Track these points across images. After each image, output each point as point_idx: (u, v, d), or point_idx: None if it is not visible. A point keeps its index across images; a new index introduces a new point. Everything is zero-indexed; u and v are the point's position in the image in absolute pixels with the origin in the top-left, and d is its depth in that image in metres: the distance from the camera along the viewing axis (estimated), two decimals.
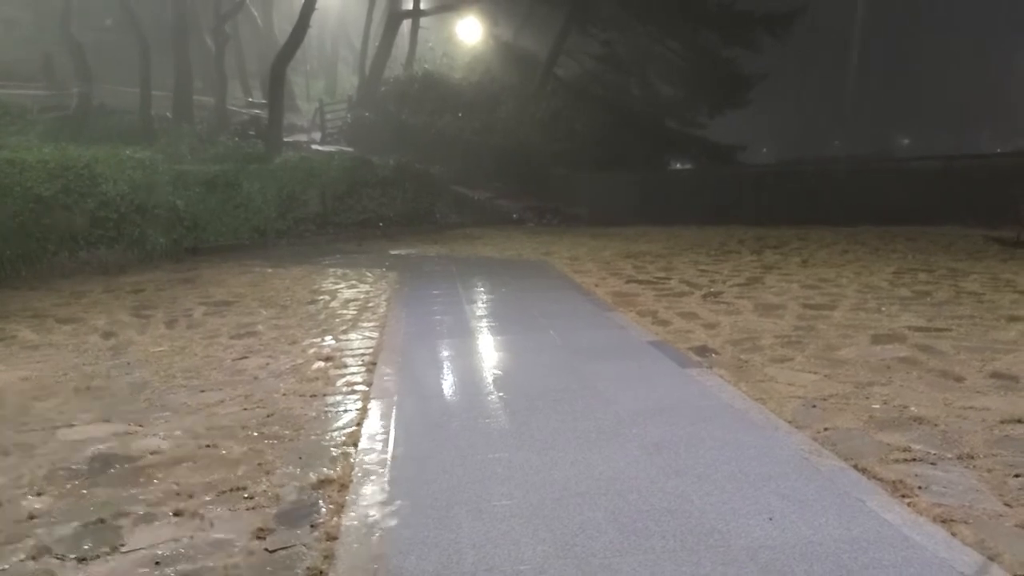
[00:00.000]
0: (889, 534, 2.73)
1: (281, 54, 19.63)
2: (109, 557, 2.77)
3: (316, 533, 2.91)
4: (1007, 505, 2.97)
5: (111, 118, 20.44)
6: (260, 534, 2.91)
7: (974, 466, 3.35)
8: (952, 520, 2.85)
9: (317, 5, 19.91)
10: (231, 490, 3.33)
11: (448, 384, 5.00)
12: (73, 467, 3.64)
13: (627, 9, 24.11)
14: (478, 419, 4.18)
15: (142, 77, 20.87)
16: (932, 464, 3.39)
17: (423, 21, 29.39)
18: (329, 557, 2.71)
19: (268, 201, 14.80)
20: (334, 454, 3.74)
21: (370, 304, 8.07)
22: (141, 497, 3.28)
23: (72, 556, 2.78)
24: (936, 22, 49.51)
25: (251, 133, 21.49)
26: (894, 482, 3.19)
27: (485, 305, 7.91)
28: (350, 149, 22.58)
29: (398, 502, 3.14)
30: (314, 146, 24.08)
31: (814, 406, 4.25)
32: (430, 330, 6.71)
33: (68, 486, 3.43)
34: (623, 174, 21.52)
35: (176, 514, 3.10)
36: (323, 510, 3.11)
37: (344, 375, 5.24)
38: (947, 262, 9.84)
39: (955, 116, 48.86)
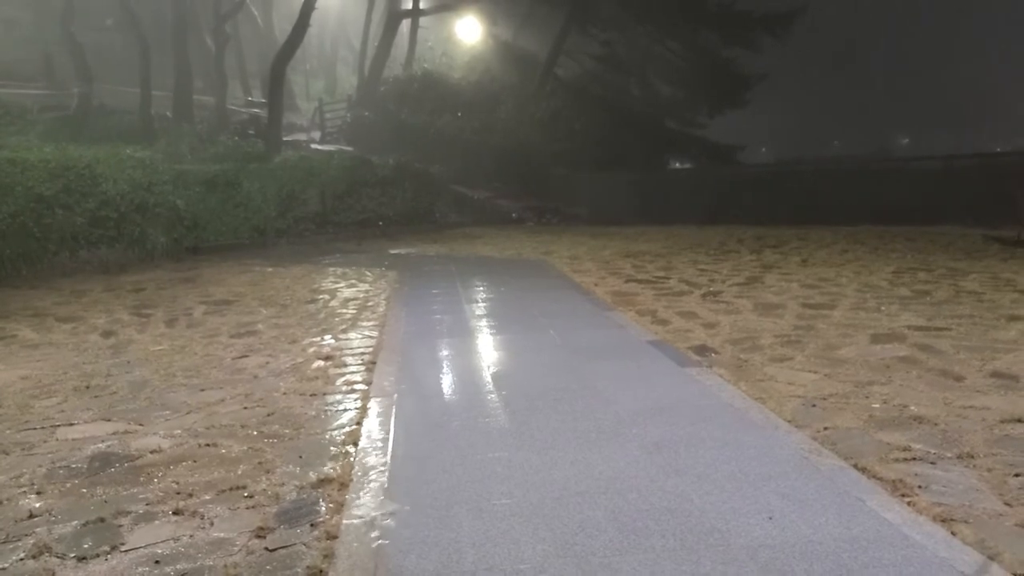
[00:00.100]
0: (889, 533, 2.73)
1: (281, 54, 19.63)
2: (109, 556, 2.77)
3: (316, 532, 2.91)
4: (1007, 504, 2.97)
5: (111, 118, 20.44)
6: (260, 533, 2.91)
7: (974, 465, 3.35)
8: (952, 519, 2.85)
9: (317, 5, 19.91)
10: (231, 489, 3.32)
11: (448, 383, 5.00)
12: (73, 466, 3.64)
13: (627, 9, 24.11)
14: (478, 418, 4.18)
15: (142, 77, 20.86)
16: (932, 463, 3.39)
17: (423, 21, 29.39)
18: (329, 556, 2.71)
19: (268, 200, 14.81)
20: (334, 453, 3.74)
21: (370, 303, 8.07)
22: (141, 496, 3.28)
23: (72, 555, 2.78)
24: (936, 22, 49.53)
25: (251, 132, 21.50)
26: (894, 481, 3.19)
27: (485, 304, 7.91)
28: (350, 148, 22.59)
29: (398, 501, 3.14)
30: (314, 145, 24.08)
31: (814, 405, 4.25)
32: (430, 329, 6.71)
33: (68, 485, 3.43)
34: (623, 174, 21.53)
35: (176, 513, 3.10)
36: (323, 509, 3.11)
37: (344, 374, 5.24)
38: (947, 261, 9.84)
39: (954, 115, 48.88)
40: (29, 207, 10.85)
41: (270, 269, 11.07)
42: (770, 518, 2.88)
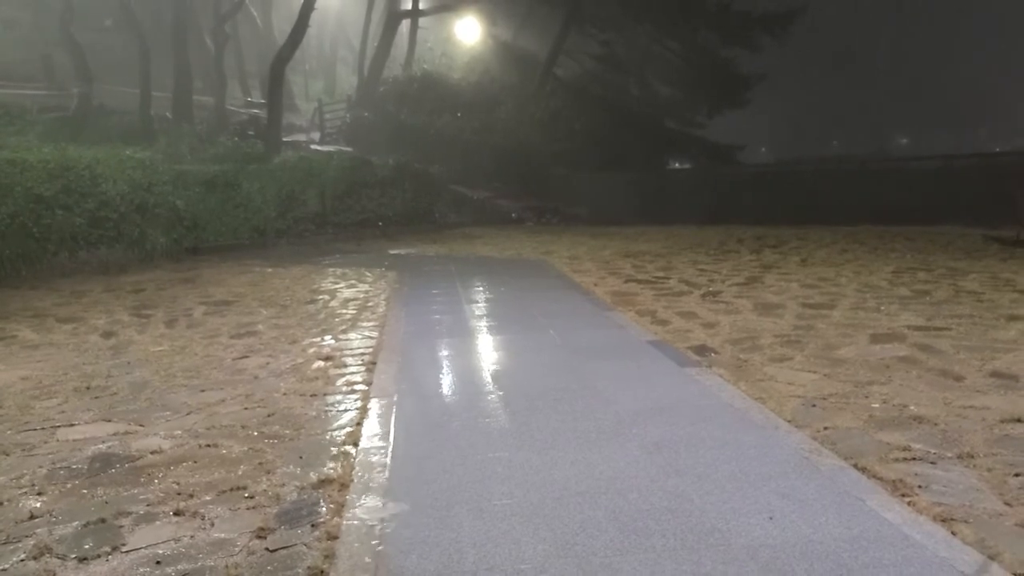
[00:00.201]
0: (889, 533, 2.74)
1: (280, 54, 19.63)
2: (110, 556, 2.77)
3: (317, 532, 2.91)
4: (1007, 504, 2.98)
5: (111, 118, 20.43)
6: (261, 533, 2.91)
7: (974, 465, 3.35)
8: (952, 519, 2.85)
9: (316, 5, 19.91)
10: (232, 489, 3.33)
11: (448, 383, 5.01)
12: (73, 467, 3.64)
13: (626, 9, 24.12)
14: (478, 418, 4.19)
15: (142, 77, 20.86)
16: (932, 463, 3.39)
17: (422, 21, 29.38)
18: (330, 556, 2.71)
19: (267, 201, 14.81)
20: (334, 453, 3.75)
21: (370, 303, 8.07)
22: (142, 497, 3.28)
23: (73, 556, 2.78)
24: (936, 22, 49.55)
25: (250, 133, 21.49)
26: (894, 481, 3.20)
27: (484, 304, 7.91)
28: (349, 149, 22.58)
29: (399, 501, 3.14)
30: (313, 146, 24.07)
31: (814, 405, 4.25)
32: (430, 329, 6.71)
33: (69, 485, 3.43)
34: (622, 174, 21.56)
35: (177, 513, 3.10)
36: (323, 509, 3.11)
37: (344, 374, 5.24)
38: (946, 261, 9.85)
39: (954, 115, 48.89)
40: (29, 207, 10.85)
41: (270, 269, 11.07)
42: (770, 518, 2.88)
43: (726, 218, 17.35)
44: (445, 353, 5.83)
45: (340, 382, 5.06)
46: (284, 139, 21.28)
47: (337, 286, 9.38)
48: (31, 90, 22.74)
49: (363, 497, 3.21)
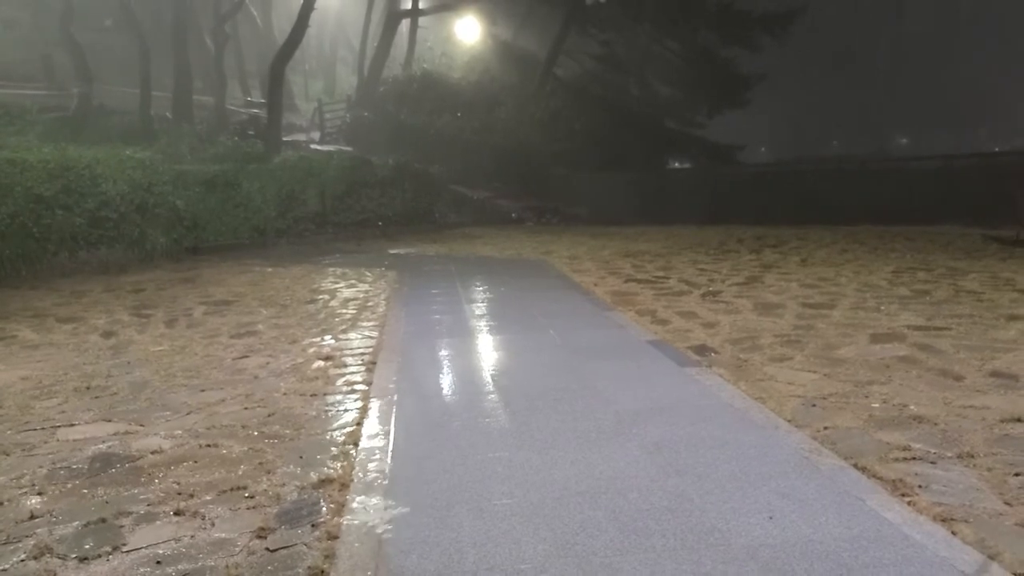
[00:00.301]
0: (889, 533, 2.74)
1: (280, 54, 19.64)
2: (111, 556, 2.77)
3: (317, 532, 2.91)
4: (1007, 504, 2.98)
5: (111, 118, 20.44)
6: (261, 533, 2.91)
7: (974, 465, 3.36)
8: (952, 519, 2.85)
9: (316, 5, 19.92)
10: (232, 489, 3.33)
11: (448, 383, 5.01)
12: (74, 466, 3.65)
13: (626, 9, 24.15)
14: (478, 418, 4.19)
15: (142, 77, 20.87)
16: (932, 463, 3.40)
17: (422, 21, 29.40)
18: (330, 556, 2.72)
19: (267, 201, 14.81)
20: (335, 453, 3.75)
21: (370, 303, 8.08)
22: (142, 496, 3.28)
23: (73, 556, 2.78)
24: (935, 22, 49.55)
25: (250, 133, 21.49)
26: (894, 481, 3.20)
27: (484, 304, 7.92)
28: (349, 149, 22.59)
29: (399, 501, 3.14)
30: (313, 146, 24.08)
31: (814, 405, 4.25)
32: (430, 329, 6.71)
33: (69, 485, 3.43)
34: (622, 174, 21.56)
35: (177, 513, 3.10)
36: (324, 509, 3.12)
37: (344, 374, 5.24)
38: (946, 261, 9.85)
39: (954, 115, 48.88)
40: (28, 207, 10.85)
41: (270, 269, 11.07)
42: (770, 517, 2.88)
43: (726, 218, 17.35)
44: (445, 353, 5.83)
45: (340, 382, 5.06)
46: (284, 139, 21.29)
47: (337, 286, 9.38)
48: (31, 90, 22.74)
49: (363, 497, 3.21)
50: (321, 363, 5.57)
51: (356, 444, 3.85)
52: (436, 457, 3.62)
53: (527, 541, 2.76)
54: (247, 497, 3.24)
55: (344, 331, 6.71)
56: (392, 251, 13.48)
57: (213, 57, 25.72)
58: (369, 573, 2.59)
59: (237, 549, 2.79)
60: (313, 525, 2.97)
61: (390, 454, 3.69)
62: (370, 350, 5.92)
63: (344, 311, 7.69)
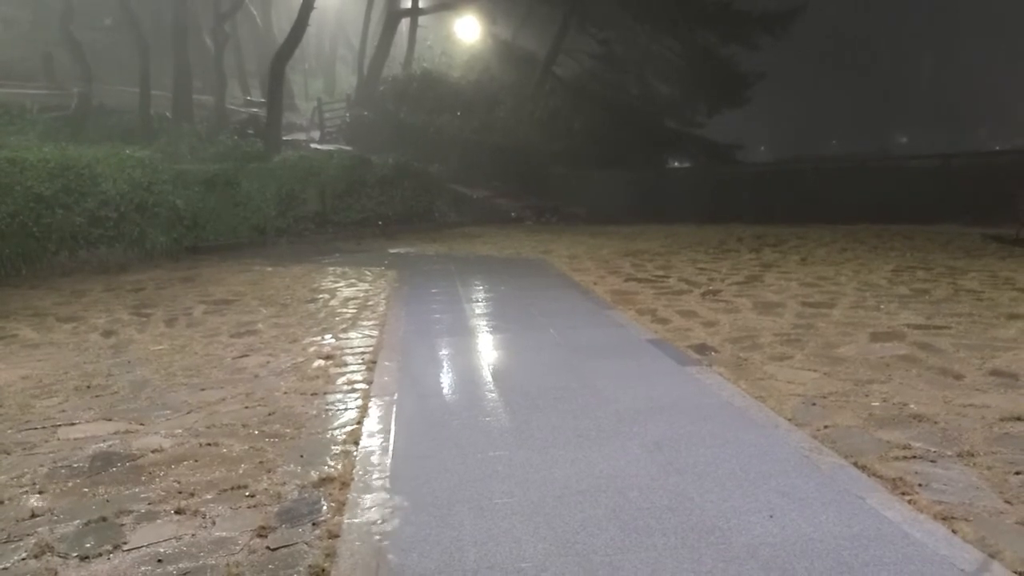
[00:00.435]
0: (889, 531, 2.74)
1: (280, 53, 19.62)
2: (111, 555, 2.77)
3: (318, 531, 2.91)
4: (1007, 503, 2.98)
5: (111, 117, 20.42)
6: (262, 532, 2.91)
7: (974, 464, 3.36)
8: (952, 517, 2.85)
9: (316, 4, 19.91)
10: (232, 488, 3.33)
11: (448, 382, 5.01)
12: (74, 465, 3.65)
13: (625, 8, 24.11)
14: (478, 417, 4.19)
15: (142, 76, 20.85)
16: (932, 462, 3.40)
17: (422, 20, 29.39)
18: (331, 555, 2.72)
19: (267, 200, 14.81)
20: (335, 452, 3.75)
21: (370, 302, 8.08)
22: (143, 495, 3.28)
23: (74, 554, 2.78)
24: (935, 21, 49.54)
25: (250, 132, 21.49)
26: (894, 479, 3.20)
27: (484, 303, 7.92)
28: (349, 148, 22.57)
29: (399, 500, 3.15)
30: (313, 145, 24.07)
31: (814, 404, 4.26)
32: (430, 328, 6.71)
33: (70, 484, 3.43)
34: (622, 173, 21.56)
35: (178, 512, 3.10)
36: (324, 508, 3.12)
37: (344, 373, 5.24)
38: (945, 260, 9.85)
39: (953, 114, 48.89)
40: (28, 207, 10.85)
41: (270, 268, 11.07)
42: (771, 516, 2.89)
43: (725, 217, 17.35)
44: (445, 352, 5.83)
45: (340, 381, 5.06)
46: (284, 138, 21.28)
47: (337, 285, 9.38)
48: (31, 89, 22.72)
49: (364, 496, 3.21)
50: (321, 362, 5.57)
51: (357, 443, 3.85)
52: (436, 456, 3.62)
53: (528, 540, 2.77)
54: (248, 496, 3.25)
55: (344, 330, 6.71)
56: (392, 250, 13.48)
57: (213, 56, 25.71)
58: (370, 572, 2.59)
59: (238, 548, 2.80)
60: (314, 524, 2.98)
61: (391, 453, 3.69)
62: (370, 349, 5.92)
63: (344, 310, 7.69)
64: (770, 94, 30.07)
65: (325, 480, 3.40)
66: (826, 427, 3.87)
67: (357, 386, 4.92)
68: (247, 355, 5.86)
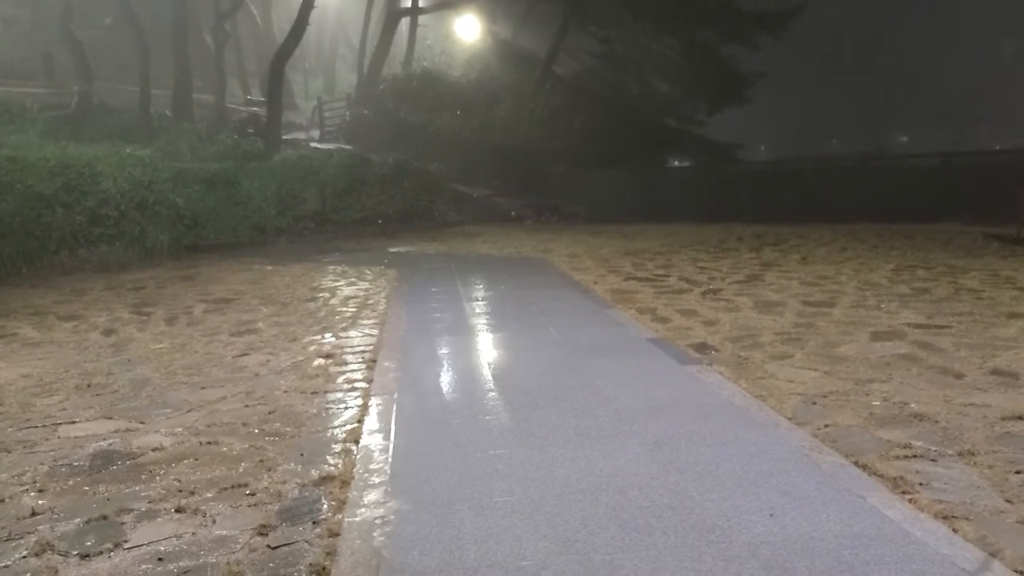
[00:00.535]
0: (890, 530, 2.74)
1: (280, 52, 19.62)
2: (112, 553, 2.77)
3: (318, 529, 2.91)
4: (1008, 502, 2.98)
5: (111, 116, 20.42)
6: (262, 530, 2.91)
7: (975, 463, 3.36)
8: (953, 516, 2.85)
9: (316, 3, 19.90)
10: (233, 487, 3.33)
11: (448, 381, 5.01)
12: (75, 464, 3.65)
13: (625, 7, 24.11)
14: (478, 416, 4.19)
15: (142, 75, 20.86)
16: (933, 461, 3.40)
17: (422, 19, 29.39)
18: (331, 553, 2.72)
19: (267, 199, 14.81)
20: (335, 451, 3.75)
21: (370, 301, 8.08)
22: (143, 494, 3.28)
23: (75, 553, 2.78)
24: (935, 20, 49.51)
25: (250, 131, 21.48)
26: (895, 478, 3.20)
27: (484, 302, 7.92)
28: (349, 147, 22.57)
29: (400, 498, 3.15)
30: (313, 144, 24.06)
31: (814, 403, 4.26)
32: (430, 327, 6.71)
33: (70, 483, 3.43)
34: (622, 172, 21.55)
35: (178, 511, 3.10)
36: (325, 507, 3.12)
37: (344, 372, 5.24)
38: (946, 259, 9.85)
39: (953, 113, 48.88)
40: (29, 205, 10.84)
41: (270, 267, 11.07)
42: (771, 515, 2.89)
43: (726, 216, 17.35)
44: (445, 351, 5.83)
45: (341, 380, 5.06)
46: (284, 137, 21.28)
47: (337, 284, 9.38)
48: (31, 88, 22.73)
49: (364, 494, 3.21)
50: (321, 361, 5.57)
51: (357, 441, 3.85)
52: (437, 454, 3.62)
53: (528, 538, 2.77)
54: (248, 494, 3.25)
55: (344, 329, 6.71)
56: (392, 249, 13.48)
57: (213, 55, 25.72)
58: (370, 570, 2.59)
59: (238, 546, 2.80)
60: (314, 522, 2.98)
61: (391, 451, 3.69)
62: (370, 348, 5.92)
63: (344, 309, 7.69)
64: (770, 93, 30.06)
65: (325, 478, 3.40)
66: (827, 426, 3.87)
67: (357, 385, 4.92)
68: (247, 354, 5.86)
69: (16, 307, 8.20)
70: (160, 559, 2.71)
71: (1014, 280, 8.04)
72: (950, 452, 3.48)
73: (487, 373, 5.12)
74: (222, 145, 17.48)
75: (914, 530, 2.73)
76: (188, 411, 4.45)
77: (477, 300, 8.03)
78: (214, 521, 3.01)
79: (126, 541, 2.86)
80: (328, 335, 6.46)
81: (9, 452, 3.83)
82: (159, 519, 3.04)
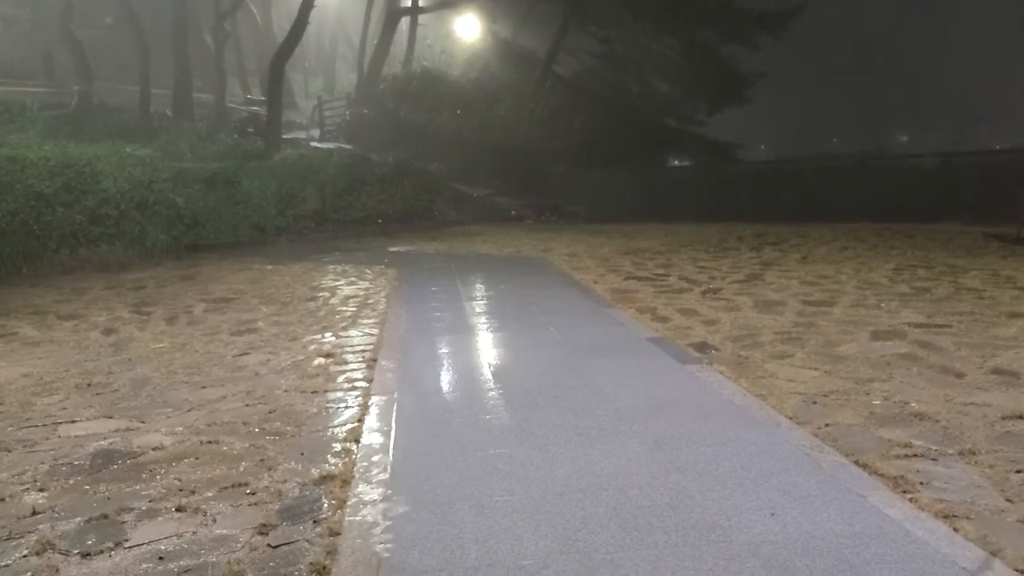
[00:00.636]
0: (891, 529, 2.74)
1: (280, 51, 19.61)
2: (113, 552, 2.77)
3: (319, 529, 2.91)
4: (1009, 501, 2.98)
5: (111, 116, 20.39)
6: (263, 530, 2.91)
7: (976, 462, 3.36)
8: (954, 516, 2.85)
9: (316, 2, 19.88)
10: (233, 486, 3.33)
11: (448, 380, 5.01)
12: (75, 463, 3.65)
13: (625, 7, 24.10)
14: (479, 415, 4.19)
15: (142, 75, 20.83)
16: (933, 460, 3.40)
17: (422, 18, 29.37)
18: (332, 552, 2.72)
19: (267, 198, 14.81)
20: (336, 450, 3.75)
21: (370, 301, 8.08)
22: (144, 493, 3.28)
23: (76, 551, 2.78)
24: (935, 20, 49.51)
25: (250, 130, 21.46)
26: (895, 478, 3.20)
27: (484, 302, 7.92)
28: (349, 146, 22.56)
29: (400, 498, 3.15)
30: (313, 143, 24.04)
31: (815, 402, 4.26)
32: (430, 327, 6.71)
33: (71, 482, 3.43)
34: (622, 171, 21.55)
35: (179, 510, 3.10)
36: (325, 506, 3.12)
37: (345, 371, 5.24)
38: (946, 259, 9.85)
39: (953, 113, 48.89)
40: (29, 205, 10.85)
41: (270, 267, 11.07)
42: (772, 514, 2.89)
43: (726, 215, 17.35)
44: (445, 350, 5.83)
45: (341, 379, 5.06)
46: (284, 136, 21.26)
47: (337, 283, 9.38)
48: (31, 87, 22.69)
49: (365, 493, 3.21)
50: (322, 360, 5.57)
51: (357, 441, 3.85)
52: (437, 454, 3.62)
53: (529, 537, 2.77)
54: (249, 494, 3.25)
55: (344, 328, 6.71)
56: (392, 249, 13.47)
57: (213, 55, 25.69)
58: (371, 569, 2.59)
59: (239, 545, 2.80)
60: (315, 521, 2.98)
61: (391, 451, 3.69)
62: (371, 347, 5.92)
63: (344, 308, 7.69)
64: (770, 93, 30.06)
65: (326, 478, 3.40)
66: (827, 425, 3.87)
67: (357, 384, 4.92)
68: (247, 353, 5.86)
69: (16, 306, 8.20)
70: (161, 558, 2.71)
71: (1014, 280, 8.04)
72: (951, 451, 3.48)
73: (487, 372, 5.12)
74: (222, 144, 17.47)
75: (915, 529, 2.73)
76: (188, 410, 4.45)
77: (477, 299, 8.03)
78: (215, 520, 3.01)
79: (127, 540, 2.86)
80: (328, 334, 6.46)
81: (9, 451, 3.83)
82: (160, 518, 3.04)
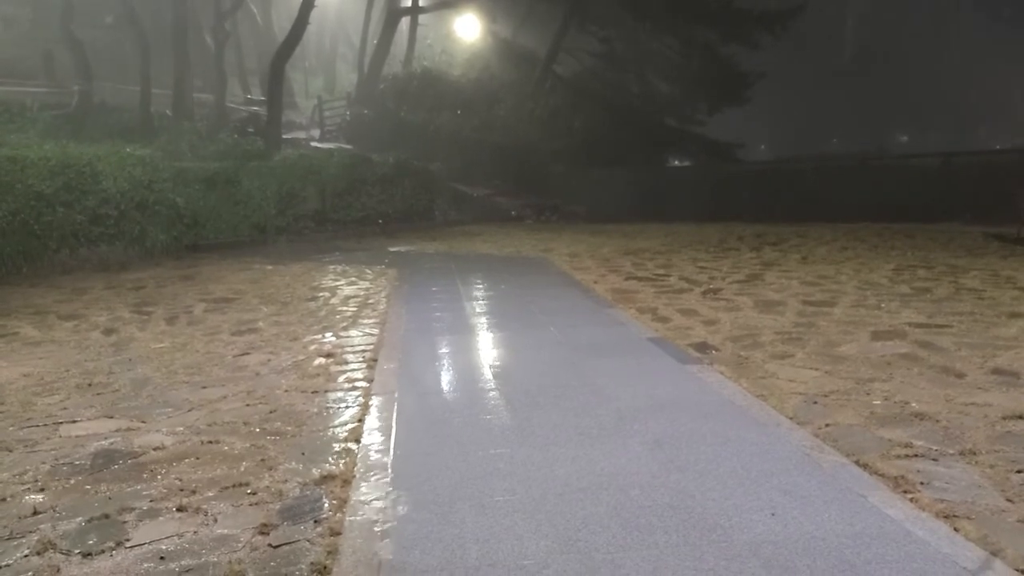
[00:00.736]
0: (891, 529, 2.74)
1: (280, 51, 19.60)
2: (114, 552, 2.77)
3: (319, 528, 2.91)
4: (1009, 501, 2.98)
5: (111, 115, 20.39)
6: (264, 529, 2.91)
7: (976, 462, 3.36)
8: (955, 516, 2.85)
9: (316, 2, 19.87)
10: (234, 486, 3.33)
11: (449, 380, 5.01)
12: (76, 463, 3.65)
13: (625, 6, 24.09)
14: (479, 415, 4.19)
15: (142, 75, 20.82)
16: (934, 460, 3.40)
17: (422, 18, 29.36)
18: (333, 552, 2.72)
19: (267, 198, 14.81)
20: (336, 450, 3.75)
21: (370, 301, 8.08)
22: (144, 493, 3.28)
23: (77, 551, 2.78)
24: (935, 19, 49.49)
25: (250, 130, 21.45)
26: (896, 478, 3.20)
27: (485, 302, 7.92)
28: (349, 146, 22.56)
29: (401, 497, 3.15)
30: (313, 143, 24.04)
31: (815, 402, 4.26)
32: (430, 327, 6.71)
33: (71, 482, 3.43)
34: (622, 171, 21.55)
35: (180, 510, 3.10)
36: (326, 505, 3.12)
37: (345, 371, 5.24)
38: (946, 259, 9.85)
39: (953, 113, 48.86)
40: (29, 205, 10.84)
41: (270, 267, 11.07)
42: (772, 514, 2.89)
43: (726, 215, 17.36)
44: (446, 350, 5.83)
45: (341, 379, 5.06)
46: (284, 136, 21.25)
47: (337, 283, 9.38)
48: (32, 87, 22.68)
49: (365, 493, 3.21)
50: (322, 360, 5.58)
51: (358, 440, 3.86)
52: (437, 454, 3.63)
53: (529, 537, 2.77)
54: (249, 493, 3.25)
55: (345, 328, 6.71)
56: (392, 249, 13.48)
57: (213, 55, 25.67)
58: (372, 569, 2.59)
59: (240, 545, 2.80)
60: (316, 521, 2.98)
61: (392, 450, 3.69)
62: (371, 347, 5.93)
63: (345, 308, 7.69)
64: (770, 93, 30.01)
65: (327, 477, 3.40)
66: (827, 425, 3.87)
67: (358, 384, 4.92)
68: (248, 353, 5.86)
69: (17, 306, 8.20)
70: (162, 558, 2.72)
71: (1015, 280, 8.04)
72: (951, 451, 3.48)
73: (488, 372, 5.12)
74: (222, 144, 17.47)
75: (915, 529, 2.74)
76: (189, 410, 4.45)
77: (477, 299, 8.03)
78: (215, 520, 3.01)
79: (128, 540, 2.86)
80: (329, 334, 6.46)
81: (10, 451, 3.83)
82: (160, 518, 3.04)
